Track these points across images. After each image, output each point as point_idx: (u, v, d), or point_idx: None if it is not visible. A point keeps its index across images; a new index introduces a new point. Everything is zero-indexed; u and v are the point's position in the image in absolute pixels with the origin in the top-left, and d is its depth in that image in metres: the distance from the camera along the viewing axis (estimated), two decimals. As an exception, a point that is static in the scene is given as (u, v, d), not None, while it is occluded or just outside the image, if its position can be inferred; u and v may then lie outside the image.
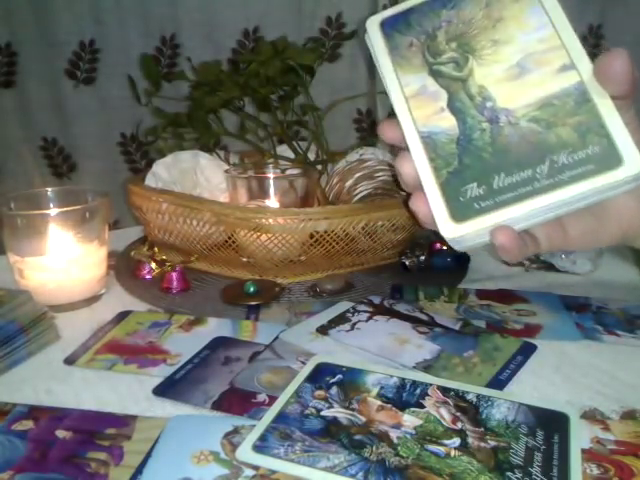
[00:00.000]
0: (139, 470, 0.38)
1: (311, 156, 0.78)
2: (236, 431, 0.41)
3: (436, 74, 0.36)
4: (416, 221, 0.37)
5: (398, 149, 0.38)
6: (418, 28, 0.37)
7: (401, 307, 0.59)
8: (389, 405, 0.43)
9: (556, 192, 0.32)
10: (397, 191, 0.70)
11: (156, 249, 0.71)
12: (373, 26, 0.39)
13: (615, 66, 0.32)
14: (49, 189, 0.67)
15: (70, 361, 0.52)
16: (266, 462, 0.38)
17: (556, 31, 0.34)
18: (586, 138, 0.32)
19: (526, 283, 0.67)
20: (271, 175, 0.72)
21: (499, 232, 0.34)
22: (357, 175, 0.70)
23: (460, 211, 0.34)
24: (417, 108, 0.36)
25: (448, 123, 0.35)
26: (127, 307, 0.62)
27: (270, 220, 0.62)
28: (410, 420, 0.41)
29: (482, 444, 0.39)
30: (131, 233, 0.82)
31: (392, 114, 0.38)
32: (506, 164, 0.33)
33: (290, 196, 0.69)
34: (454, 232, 0.34)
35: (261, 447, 0.39)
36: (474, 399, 0.44)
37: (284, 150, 0.78)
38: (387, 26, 0.38)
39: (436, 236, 0.38)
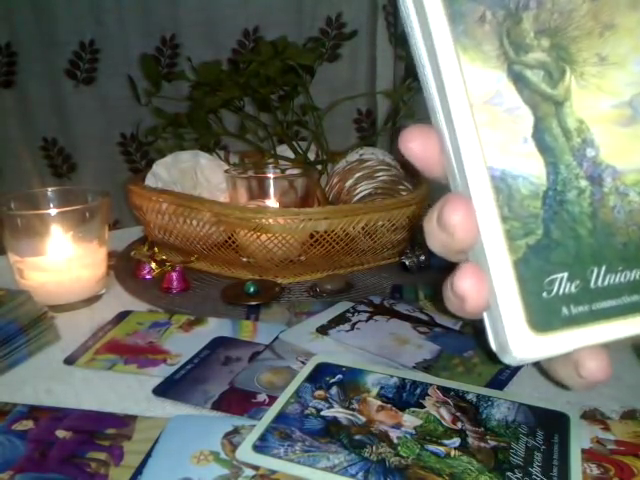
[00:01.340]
0: (139, 470, 0.38)
1: (311, 156, 0.78)
2: (236, 431, 0.41)
3: (518, 79, 0.24)
4: (453, 307, 0.25)
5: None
6: None
7: (401, 307, 0.59)
8: (389, 405, 0.43)
9: None
10: (397, 191, 0.70)
11: (156, 249, 0.71)
12: None
13: None
14: (49, 189, 0.67)
15: (70, 361, 0.52)
16: (266, 462, 0.38)
17: None
18: None
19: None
20: (271, 175, 0.72)
21: (593, 359, 0.23)
22: (357, 175, 0.70)
23: (543, 316, 0.22)
24: (487, 126, 0.23)
25: (532, 165, 0.23)
26: (127, 307, 0.62)
27: (270, 220, 0.62)
28: (410, 420, 0.41)
29: (482, 444, 0.39)
30: (131, 233, 0.82)
31: (408, 118, 0.27)
32: (609, 252, 0.23)
33: (290, 196, 0.69)
34: (530, 351, 0.22)
35: (261, 447, 0.39)
36: (474, 399, 0.44)
37: (284, 150, 0.78)
38: None
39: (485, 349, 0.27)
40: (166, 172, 0.73)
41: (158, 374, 0.49)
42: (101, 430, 0.42)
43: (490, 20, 0.24)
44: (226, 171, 0.71)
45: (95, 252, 0.64)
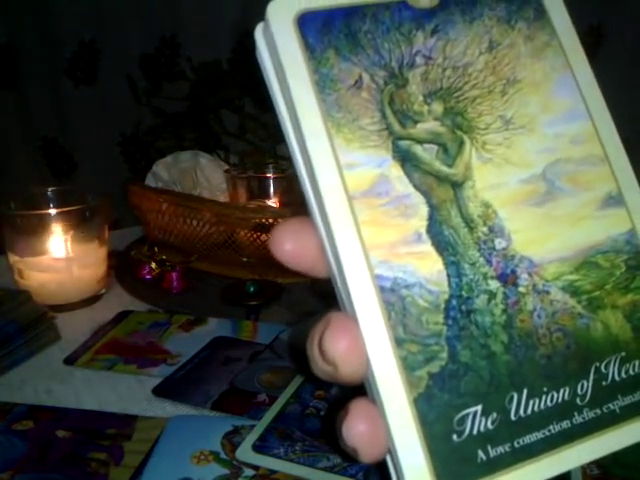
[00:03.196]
0: (139, 470, 0.38)
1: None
2: (236, 431, 0.41)
3: (407, 158, 0.19)
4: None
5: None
6: (371, 51, 0.19)
7: (401, 307, 0.59)
8: (389, 405, 0.43)
9: (605, 437, 0.19)
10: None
11: (156, 249, 0.71)
12: (282, 20, 0.19)
13: None
14: (49, 189, 0.67)
15: (70, 361, 0.52)
16: (266, 462, 0.38)
17: (594, 125, 0.21)
18: None
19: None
20: (271, 175, 0.72)
21: None
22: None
23: (453, 466, 0.18)
24: (370, 223, 0.19)
25: (430, 268, 0.19)
26: (127, 307, 0.62)
27: (270, 220, 0.62)
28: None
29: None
30: (131, 233, 0.82)
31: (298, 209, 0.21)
32: (530, 370, 0.19)
33: (290, 196, 0.69)
34: None
35: (261, 447, 0.39)
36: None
37: (284, 150, 0.78)
38: (311, 28, 0.19)
39: None
40: (166, 172, 0.73)
41: (158, 374, 0.49)
42: (101, 430, 0.42)
43: (368, 85, 0.19)
44: (226, 171, 0.71)
45: (95, 252, 0.64)
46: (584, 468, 0.37)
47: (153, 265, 0.69)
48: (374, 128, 0.19)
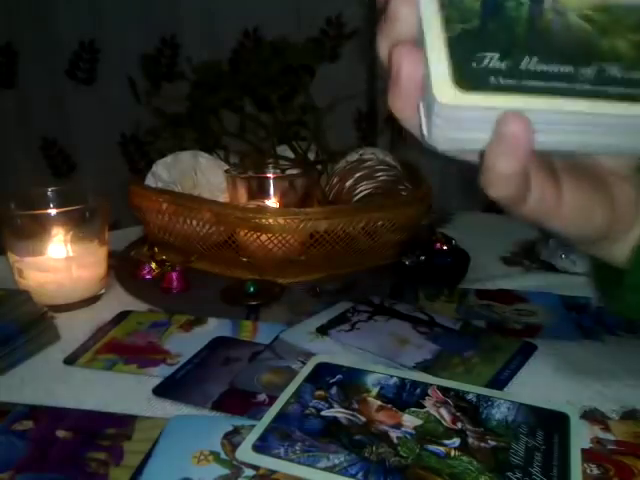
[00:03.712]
0: (139, 470, 0.38)
1: (311, 156, 0.78)
2: (236, 431, 0.41)
3: None
4: (391, 87, 0.27)
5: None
6: None
7: (401, 307, 0.59)
8: (389, 405, 0.43)
9: (598, 102, 0.25)
10: (397, 191, 0.70)
11: (156, 249, 0.71)
12: None
13: None
14: (49, 189, 0.67)
15: (70, 361, 0.52)
16: (266, 462, 0.38)
17: None
18: (637, 62, 0.26)
19: (526, 283, 0.67)
20: (271, 175, 0.72)
21: (513, 118, 0.25)
22: (357, 175, 0.70)
23: (469, 77, 0.24)
24: None
25: None
26: (127, 307, 0.62)
27: (270, 220, 0.62)
28: (410, 420, 0.41)
29: (482, 444, 0.39)
30: (131, 233, 0.82)
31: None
32: (542, 48, 0.25)
33: (290, 196, 0.69)
34: (452, 98, 0.24)
35: (261, 447, 0.39)
36: (474, 399, 0.44)
37: (284, 150, 0.78)
38: None
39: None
40: (166, 172, 0.73)
41: (158, 374, 0.49)
42: (101, 430, 0.42)
43: None
44: (226, 171, 0.71)
45: (95, 252, 0.64)
46: (584, 467, 0.37)
47: (153, 265, 0.69)
48: None
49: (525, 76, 0.25)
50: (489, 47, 0.25)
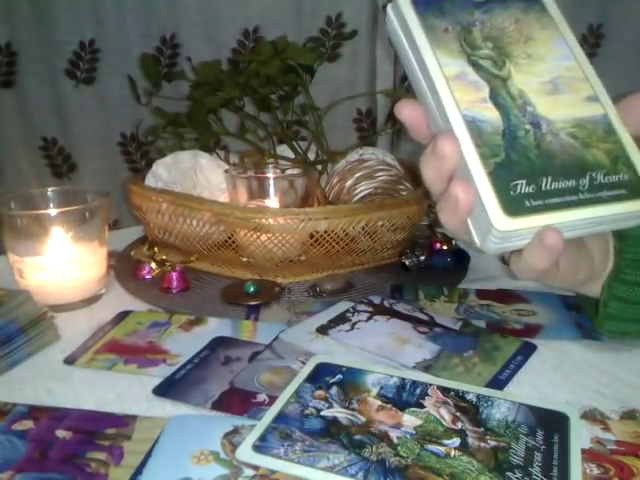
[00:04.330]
0: (139, 470, 0.38)
1: (311, 156, 0.78)
2: (236, 431, 0.41)
3: (475, 65, 0.35)
4: (447, 213, 0.35)
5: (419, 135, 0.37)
6: (452, 18, 0.36)
7: (401, 307, 0.59)
8: (389, 405, 0.43)
9: (598, 207, 0.33)
10: (397, 191, 0.70)
11: (156, 249, 0.71)
12: (405, 1, 0.36)
13: (633, 114, 0.36)
14: (49, 189, 0.67)
15: (70, 361, 0.52)
16: (266, 462, 0.38)
17: (579, 64, 0.37)
18: (617, 165, 0.34)
19: (526, 283, 0.67)
20: (271, 175, 0.72)
21: (550, 232, 0.33)
22: (357, 175, 0.70)
23: (512, 205, 0.32)
24: (458, 91, 0.34)
25: (492, 114, 0.34)
26: (127, 307, 0.62)
27: (270, 220, 0.62)
28: (410, 420, 0.41)
29: (482, 444, 0.39)
30: (131, 233, 0.82)
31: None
32: (552, 169, 0.33)
33: (290, 196, 0.69)
34: (507, 225, 0.32)
35: (261, 447, 0.39)
36: (474, 399, 0.44)
37: (284, 150, 0.78)
38: (420, 4, 0.36)
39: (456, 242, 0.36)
40: (166, 172, 0.73)
41: (158, 374, 0.49)
42: (101, 430, 0.42)
43: (451, 30, 0.36)
44: (226, 171, 0.71)
45: (95, 252, 0.64)
46: (584, 467, 0.37)
47: (153, 265, 0.69)
48: (456, 50, 0.35)
49: (547, 196, 0.33)
50: (517, 175, 0.33)
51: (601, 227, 0.35)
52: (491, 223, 0.32)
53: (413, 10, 0.36)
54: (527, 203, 0.32)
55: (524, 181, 0.33)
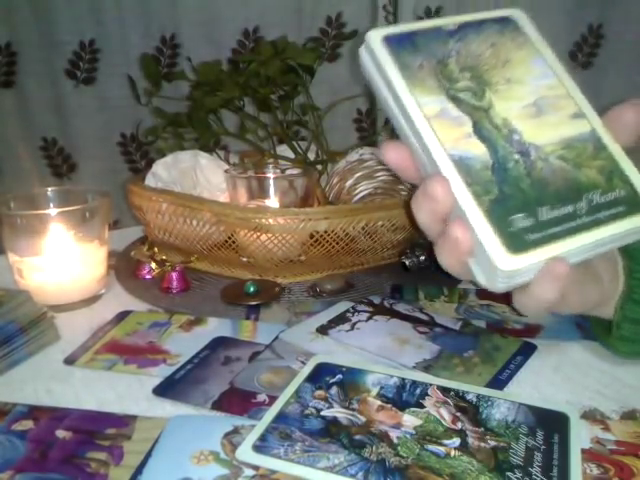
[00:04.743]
0: (139, 470, 0.38)
1: (311, 156, 0.78)
2: (236, 431, 0.41)
3: (455, 99, 0.34)
4: (449, 255, 0.34)
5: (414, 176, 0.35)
6: (426, 52, 0.35)
7: (401, 307, 0.59)
8: (389, 405, 0.43)
9: (600, 229, 0.32)
10: (397, 191, 0.70)
11: (156, 249, 0.71)
12: (376, 40, 0.34)
13: (626, 118, 0.35)
14: (49, 189, 0.67)
15: (70, 361, 0.52)
16: (266, 462, 0.38)
17: (560, 81, 0.36)
18: (612, 181, 0.33)
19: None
20: (271, 175, 0.72)
21: (557, 263, 0.32)
22: (357, 175, 0.70)
23: (513, 242, 0.31)
24: (441, 130, 0.33)
25: (479, 150, 0.33)
26: (127, 307, 0.62)
27: (270, 220, 0.62)
28: (410, 420, 0.41)
29: (482, 444, 0.39)
30: (131, 233, 0.82)
31: (393, 134, 0.35)
32: (547, 197, 0.32)
33: (290, 196, 0.69)
34: (512, 265, 0.31)
35: (261, 447, 0.39)
36: (474, 399, 0.44)
37: (284, 150, 0.78)
38: (392, 43, 0.34)
39: (472, 283, 0.35)
40: (166, 172, 0.73)
41: (158, 374, 0.49)
42: (101, 430, 0.42)
43: (426, 66, 0.34)
44: (226, 171, 0.71)
45: (95, 252, 0.64)
46: (584, 467, 0.37)
47: (153, 265, 0.69)
48: (434, 85, 0.34)
49: (546, 226, 0.32)
50: (513, 210, 0.32)
51: (605, 247, 0.34)
52: (495, 265, 0.31)
53: (386, 49, 0.34)
54: (527, 237, 0.31)
55: (521, 215, 0.32)
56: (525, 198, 0.32)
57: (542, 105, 0.35)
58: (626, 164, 0.34)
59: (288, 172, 0.72)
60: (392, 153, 0.35)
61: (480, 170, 0.32)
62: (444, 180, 0.32)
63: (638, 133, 0.35)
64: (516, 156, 0.33)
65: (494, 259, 0.31)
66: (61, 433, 0.42)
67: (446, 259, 0.34)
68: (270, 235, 0.62)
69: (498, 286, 0.33)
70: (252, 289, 0.63)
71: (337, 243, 0.64)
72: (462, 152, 0.32)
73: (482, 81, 0.35)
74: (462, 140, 0.33)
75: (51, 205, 0.66)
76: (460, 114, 0.34)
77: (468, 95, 0.34)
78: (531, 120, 0.34)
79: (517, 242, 0.31)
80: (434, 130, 0.33)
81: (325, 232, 0.63)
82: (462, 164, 0.32)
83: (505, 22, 0.37)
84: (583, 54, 1.16)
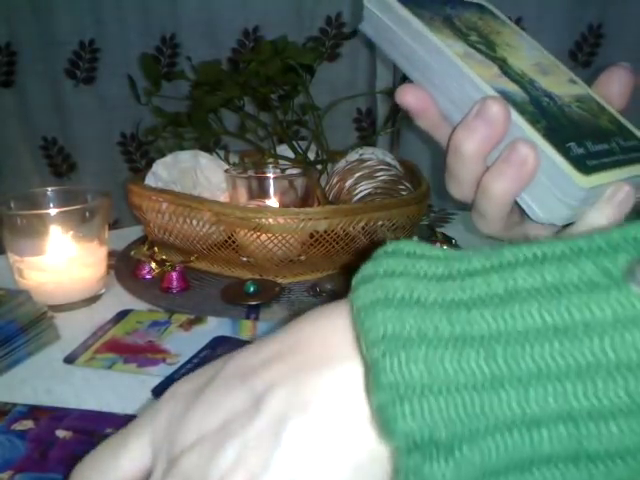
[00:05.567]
0: (139, 470, 0.38)
1: (311, 156, 0.78)
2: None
3: (474, 47, 0.34)
4: (510, 177, 0.31)
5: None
6: (431, 10, 0.35)
7: (401, 307, 0.59)
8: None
9: (635, 167, 0.32)
10: (397, 191, 0.70)
11: (156, 249, 0.71)
12: None
13: (614, 83, 0.35)
14: (49, 189, 0.67)
15: (70, 360, 0.52)
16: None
17: (547, 56, 0.38)
18: (623, 132, 0.34)
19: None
20: (271, 175, 0.72)
21: (625, 187, 0.30)
22: (357, 175, 0.70)
23: (580, 164, 0.30)
24: (475, 67, 0.33)
25: (513, 87, 0.33)
26: (127, 307, 0.62)
27: (270, 220, 0.62)
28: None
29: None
30: (131, 233, 0.82)
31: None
32: (585, 133, 0.32)
33: (290, 196, 0.69)
34: (589, 182, 0.30)
35: None
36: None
37: (284, 150, 0.78)
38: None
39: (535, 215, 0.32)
40: (166, 172, 0.73)
41: (158, 373, 0.49)
42: (101, 430, 0.42)
43: (436, 20, 0.35)
44: (226, 171, 0.71)
45: (95, 252, 0.64)
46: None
47: (153, 265, 0.69)
48: (451, 33, 0.35)
49: (597, 156, 0.31)
50: (566, 138, 0.31)
51: None
52: (574, 183, 0.29)
53: (398, 1, 0.35)
54: (588, 162, 0.31)
55: (573, 143, 0.31)
56: (569, 130, 0.32)
57: (544, 67, 0.36)
58: (625, 121, 0.35)
59: (288, 172, 0.72)
60: (410, 96, 0.34)
61: (523, 104, 0.32)
62: (502, 101, 0.30)
63: (626, 96, 0.35)
64: (545, 98, 0.33)
65: (572, 177, 0.30)
66: (61, 433, 0.42)
67: (506, 184, 0.31)
68: (270, 235, 0.62)
69: (564, 213, 0.31)
70: (252, 289, 0.62)
71: (337, 243, 0.64)
72: (501, 87, 0.32)
73: (489, 41, 0.36)
74: (497, 78, 0.33)
75: (51, 205, 0.66)
76: (483, 58, 0.34)
77: (483, 47, 0.35)
78: (541, 76, 0.35)
79: (582, 164, 0.30)
80: (469, 66, 0.33)
81: (325, 232, 0.63)
82: (506, 97, 0.32)
83: (481, 7, 0.39)
84: (583, 53, 1.16)
